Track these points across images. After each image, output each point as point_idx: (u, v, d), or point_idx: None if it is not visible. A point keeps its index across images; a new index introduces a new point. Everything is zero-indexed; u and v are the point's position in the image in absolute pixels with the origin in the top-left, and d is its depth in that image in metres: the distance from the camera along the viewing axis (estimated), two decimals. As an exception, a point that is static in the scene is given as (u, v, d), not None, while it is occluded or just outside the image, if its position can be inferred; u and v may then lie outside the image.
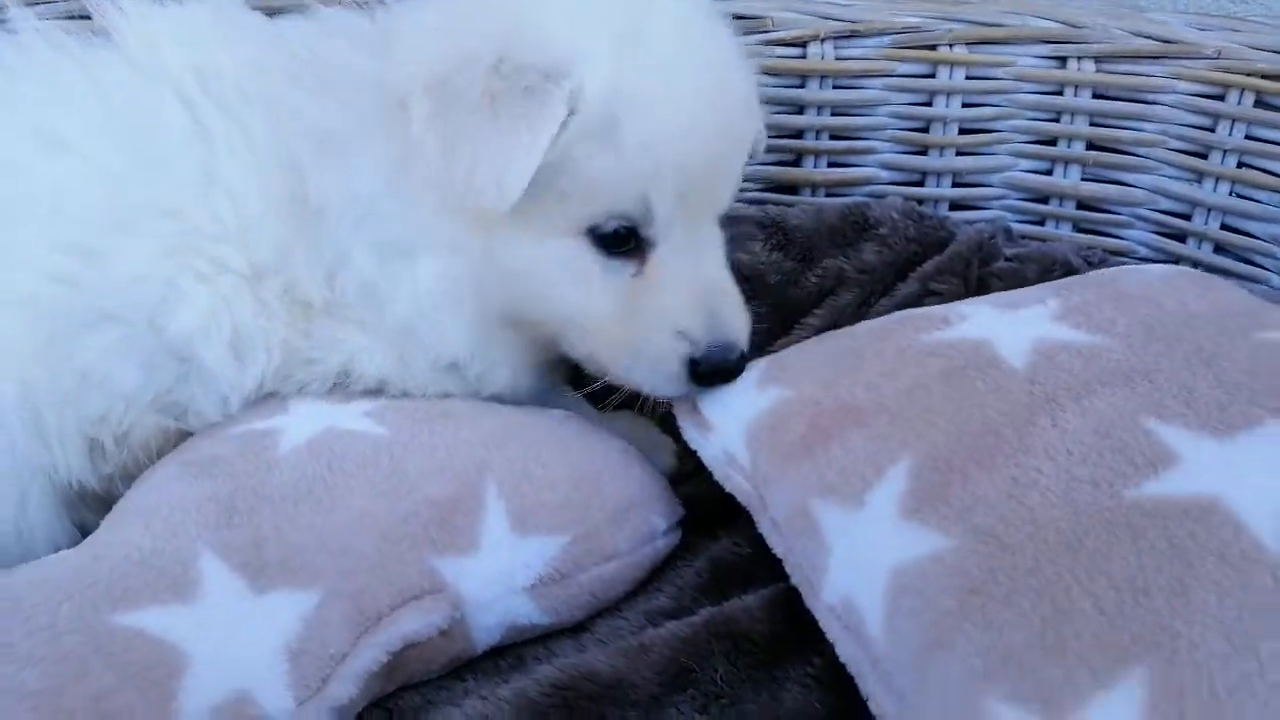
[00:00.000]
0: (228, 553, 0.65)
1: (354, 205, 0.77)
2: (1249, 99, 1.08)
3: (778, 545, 0.71)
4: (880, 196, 1.17)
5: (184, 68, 0.79)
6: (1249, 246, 1.12)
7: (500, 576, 0.72)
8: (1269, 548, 0.52)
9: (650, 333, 0.76)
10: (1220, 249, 1.14)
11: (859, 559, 0.64)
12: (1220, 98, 1.09)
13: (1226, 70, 1.08)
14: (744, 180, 1.16)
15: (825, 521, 0.66)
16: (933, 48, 1.12)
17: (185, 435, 0.81)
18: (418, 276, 0.78)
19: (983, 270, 1.04)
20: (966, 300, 0.81)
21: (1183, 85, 1.10)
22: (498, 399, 0.85)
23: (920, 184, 1.19)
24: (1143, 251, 1.18)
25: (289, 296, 0.80)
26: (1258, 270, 1.12)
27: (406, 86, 0.72)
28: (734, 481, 0.76)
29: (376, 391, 0.83)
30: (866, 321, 0.81)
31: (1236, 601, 0.50)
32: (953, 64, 1.12)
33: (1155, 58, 1.10)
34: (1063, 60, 1.12)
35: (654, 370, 0.77)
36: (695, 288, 0.76)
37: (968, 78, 1.13)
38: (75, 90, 0.77)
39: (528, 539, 0.74)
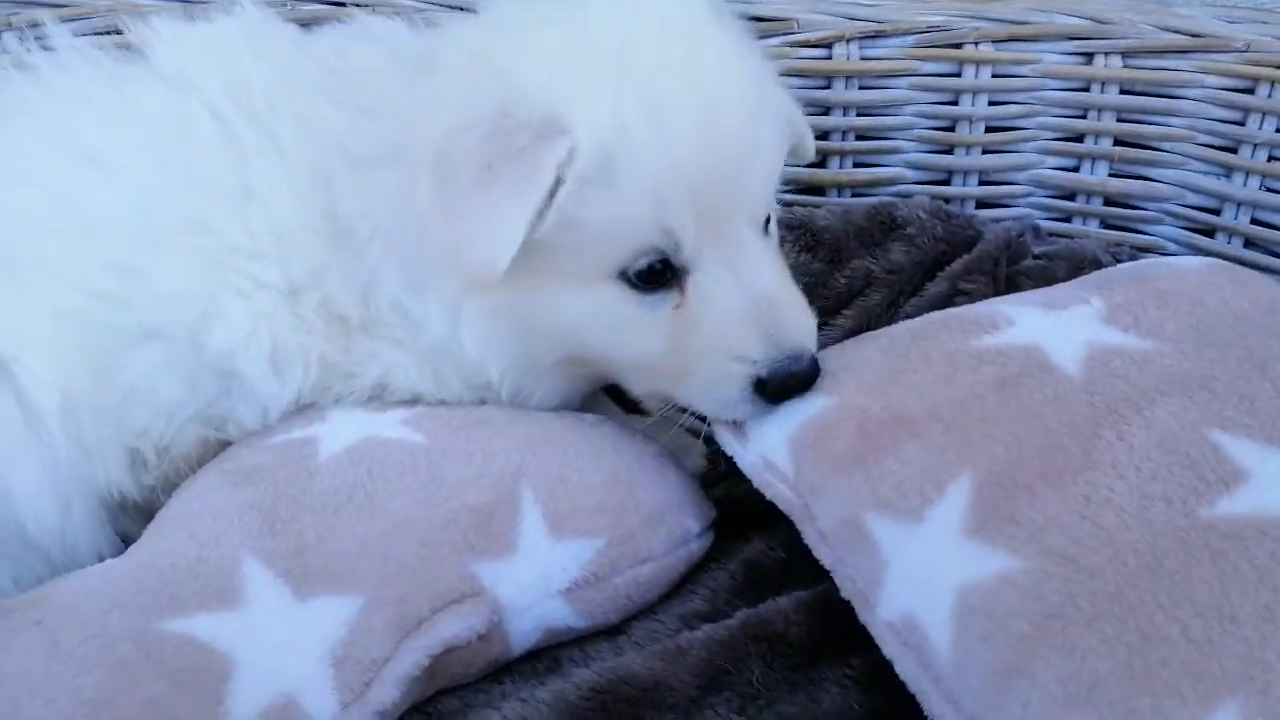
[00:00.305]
0: (271, 560, 0.66)
1: (380, 229, 0.78)
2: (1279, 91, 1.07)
3: (825, 556, 0.70)
4: (907, 196, 1.17)
5: (215, 82, 0.80)
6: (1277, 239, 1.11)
7: (537, 580, 0.73)
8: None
9: (704, 362, 0.74)
10: (1250, 244, 1.13)
11: (920, 577, 0.63)
12: (1250, 91, 1.08)
13: (1256, 63, 1.07)
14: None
15: (881, 535, 0.66)
16: (958, 46, 1.12)
17: (225, 444, 0.82)
18: (458, 319, 0.79)
19: (1011, 269, 1.04)
20: (1007, 299, 0.81)
21: (1211, 79, 1.09)
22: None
23: (947, 183, 1.19)
24: (1171, 248, 1.18)
25: (326, 311, 0.81)
26: (1287, 265, 1.12)
27: (414, 157, 0.72)
28: (775, 489, 0.75)
29: (413, 401, 0.84)
30: (906, 323, 0.80)
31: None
32: (978, 62, 1.12)
33: (1183, 52, 1.10)
34: (1089, 56, 1.12)
35: (717, 398, 0.75)
36: (742, 305, 0.74)
37: (994, 76, 1.13)
38: (111, 108, 0.78)
39: (564, 542, 0.74)
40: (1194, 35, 1.09)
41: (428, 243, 0.75)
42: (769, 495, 0.76)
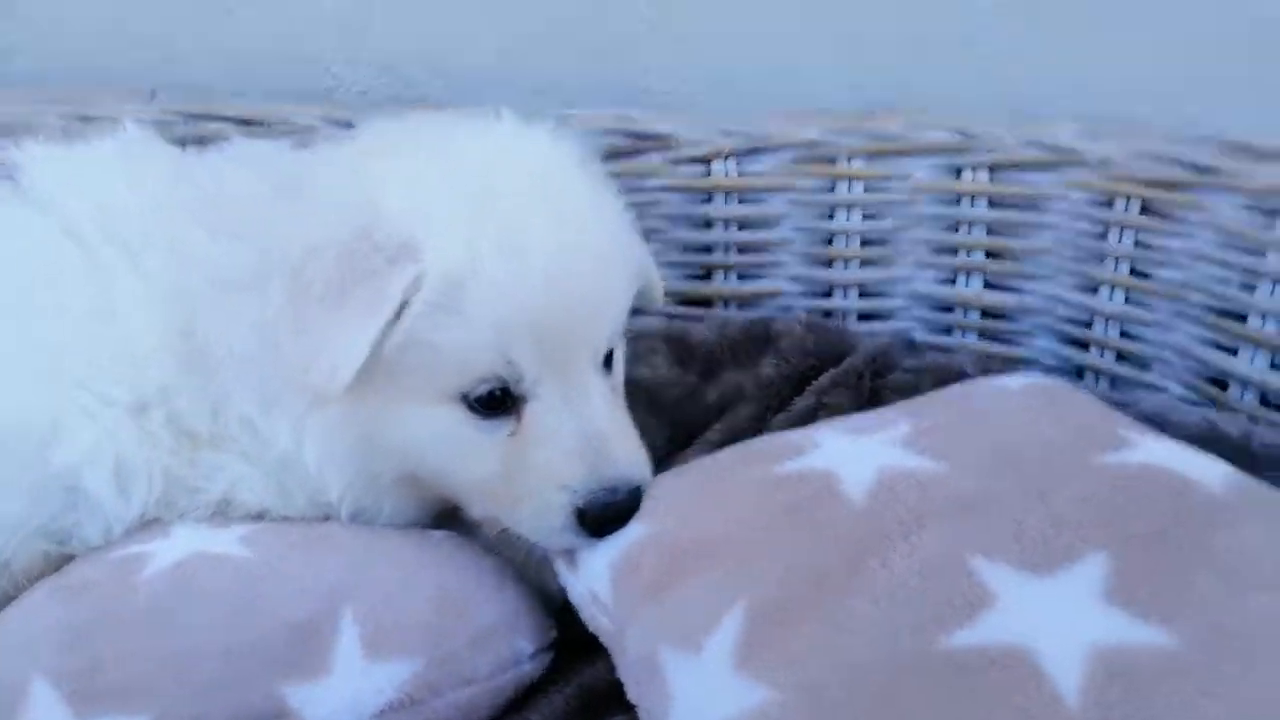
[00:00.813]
0: (59, 680, 0.66)
1: (235, 348, 0.80)
2: (1135, 206, 1.10)
3: (631, 692, 0.71)
4: (789, 309, 1.19)
5: (82, 205, 0.83)
6: (1147, 355, 1.13)
7: (349, 703, 0.73)
8: (1067, 701, 0.52)
9: (532, 489, 0.77)
10: (1122, 357, 1.16)
11: (696, 710, 0.63)
12: (1109, 204, 1.12)
13: (1114, 178, 1.11)
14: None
15: (669, 669, 0.66)
16: (832, 161, 1.16)
17: (67, 559, 0.83)
18: (304, 434, 0.80)
19: (876, 382, 1.06)
20: (822, 424, 0.83)
21: (1074, 193, 1.13)
22: None
23: (829, 295, 1.21)
24: (1049, 360, 1.20)
25: (173, 427, 0.82)
26: (1157, 378, 1.13)
27: (271, 272, 0.75)
28: (597, 622, 0.76)
29: (258, 516, 0.85)
30: (735, 446, 0.82)
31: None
32: (851, 178, 1.16)
33: (1046, 166, 1.13)
34: (957, 171, 1.16)
35: (542, 526, 0.78)
36: (574, 438, 0.76)
37: (866, 191, 1.17)
38: None
39: (379, 664, 0.74)
40: (1054, 149, 1.13)
41: (279, 358, 0.77)
42: (592, 628, 0.77)
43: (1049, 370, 1.18)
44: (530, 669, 0.81)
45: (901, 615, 0.59)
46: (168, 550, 0.78)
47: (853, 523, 0.67)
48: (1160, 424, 0.95)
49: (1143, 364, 1.14)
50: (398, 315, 0.73)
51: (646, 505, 0.77)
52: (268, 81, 1.26)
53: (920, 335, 1.22)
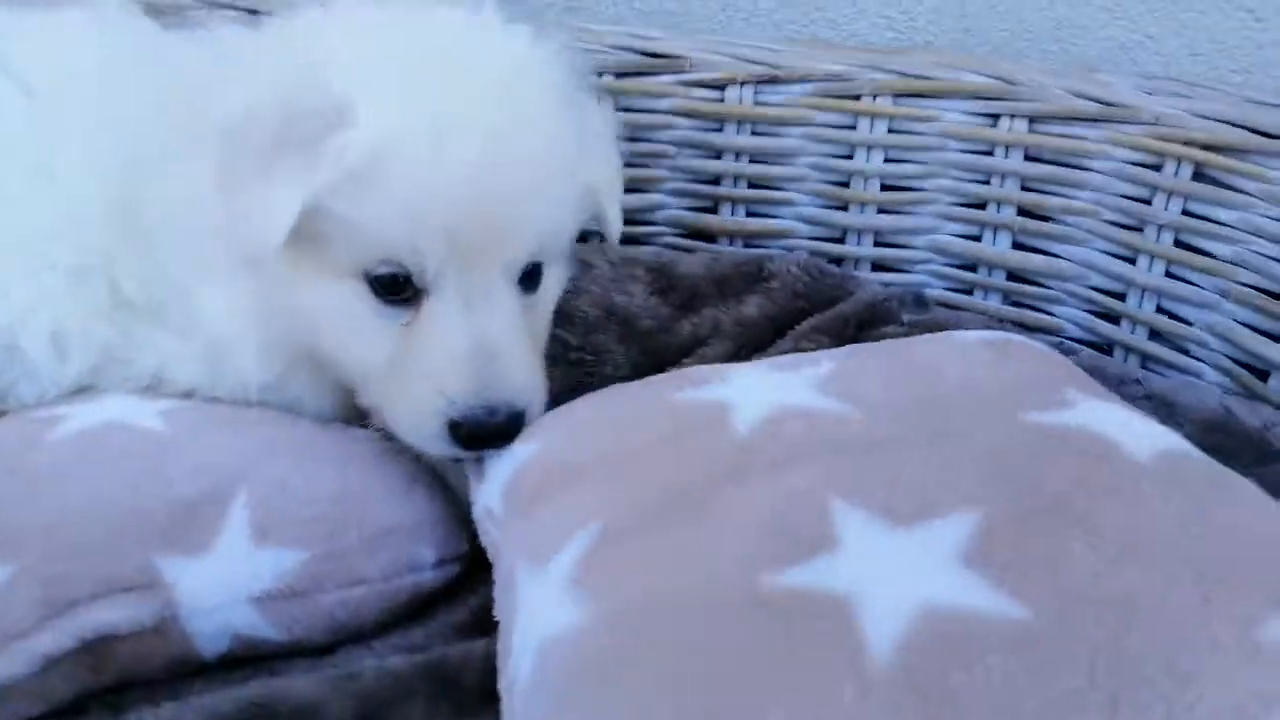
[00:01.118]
0: (-65, 521, 0.67)
1: (173, 217, 0.79)
2: (1186, 170, 0.99)
3: (496, 607, 0.67)
4: (798, 251, 1.12)
5: (44, 73, 0.84)
6: (1183, 334, 1.02)
7: (224, 583, 0.71)
8: (875, 656, 0.46)
9: (413, 388, 0.74)
10: (1155, 335, 1.04)
11: (530, 630, 0.59)
12: (1157, 168, 1.00)
13: (1163, 138, 0.99)
14: (661, 225, 1.15)
15: (520, 584, 0.63)
16: (855, 98, 1.08)
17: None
18: (229, 301, 0.80)
19: (864, 334, 0.99)
20: (748, 363, 0.77)
21: (1119, 152, 1.01)
22: None
23: (841, 241, 1.14)
24: (1073, 330, 1.09)
25: (113, 296, 0.82)
26: (1192, 361, 1.02)
27: (210, 124, 0.73)
28: (489, 537, 0.73)
29: (188, 394, 0.85)
30: (655, 376, 0.77)
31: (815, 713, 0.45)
32: (874, 115, 1.08)
33: (1091, 120, 1.02)
34: (994, 118, 1.06)
35: (415, 426, 0.75)
36: (464, 344, 0.73)
37: (890, 131, 1.08)
38: None
39: (264, 550, 0.73)
40: (1104, 103, 1.02)
41: (213, 221, 0.76)
42: (484, 543, 0.74)
43: (1076, 342, 1.08)
44: (431, 577, 0.78)
45: (737, 546, 0.53)
46: (84, 415, 0.79)
47: (728, 452, 0.62)
48: (1167, 406, 0.85)
49: (1178, 345, 1.03)
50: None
51: (551, 424, 0.73)
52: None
53: (938, 292, 1.13)
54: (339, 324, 0.76)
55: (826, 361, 0.72)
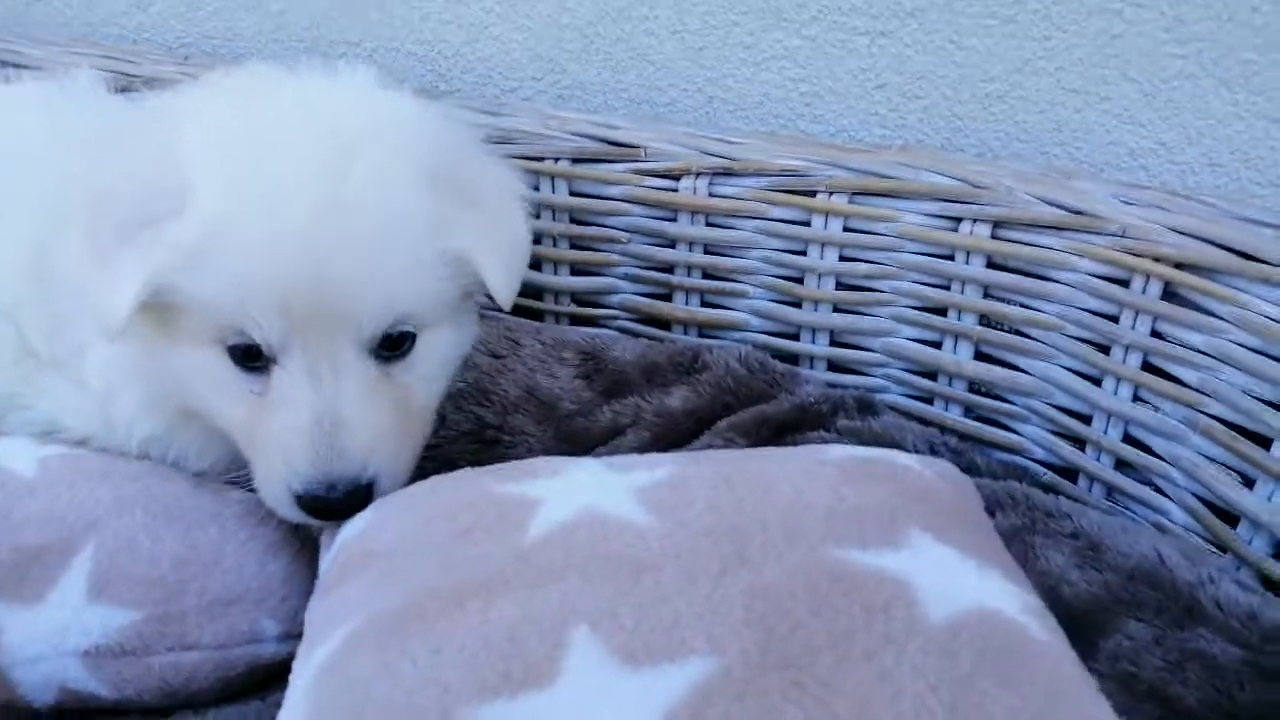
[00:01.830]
0: None
1: (68, 280, 0.81)
2: (1155, 288, 0.90)
3: None
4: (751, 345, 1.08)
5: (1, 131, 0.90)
6: (1150, 467, 0.92)
7: (50, 635, 0.73)
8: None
9: (264, 455, 0.75)
10: (1121, 464, 0.95)
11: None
12: (1125, 283, 0.92)
13: (1132, 252, 0.91)
14: (615, 309, 1.13)
15: (294, 672, 0.62)
16: (810, 194, 1.04)
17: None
18: (113, 361, 0.82)
19: (782, 438, 0.93)
20: (601, 457, 0.73)
21: (1086, 264, 0.94)
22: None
23: (795, 338, 1.09)
24: (1037, 452, 1.00)
25: (20, 345, 0.86)
26: (1158, 498, 0.92)
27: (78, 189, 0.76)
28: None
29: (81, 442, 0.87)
30: (498, 465, 0.74)
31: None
32: (828, 212, 1.03)
33: (1057, 228, 0.95)
34: (956, 221, 1.00)
35: (269, 493, 0.75)
36: (307, 416, 0.73)
37: (845, 229, 1.03)
38: None
39: (97, 606, 0.74)
40: (1070, 211, 0.95)
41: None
42: None
43: (1040, 464, 1.00)
44: (273, 650, 0.78)
45: (454, 670, 0.50)
46: (-40, 455, 0.82)
47: (504, 559, 0.58)
48: (1094, 548, 0.77)
49: (1145, 478, 0.93)
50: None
51: (384, 502, 0.71)
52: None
53: (895, 398, 1.06)
54: (203, 388, 0.77)
55: (667, 465, 0.68)
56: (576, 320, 1.15)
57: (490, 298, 0.82)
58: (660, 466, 0.67)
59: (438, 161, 0.78)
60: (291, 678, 0.63)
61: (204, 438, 0.84)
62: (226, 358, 0.75)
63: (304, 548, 0.82)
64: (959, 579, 0.55)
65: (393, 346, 0.77)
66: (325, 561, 0.72)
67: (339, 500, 0.72)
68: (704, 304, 1.11)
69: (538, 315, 1.16)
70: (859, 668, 0.47)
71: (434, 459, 0.82)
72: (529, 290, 1.16)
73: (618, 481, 0.65)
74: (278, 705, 0.74)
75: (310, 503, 0.72)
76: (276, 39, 1.39)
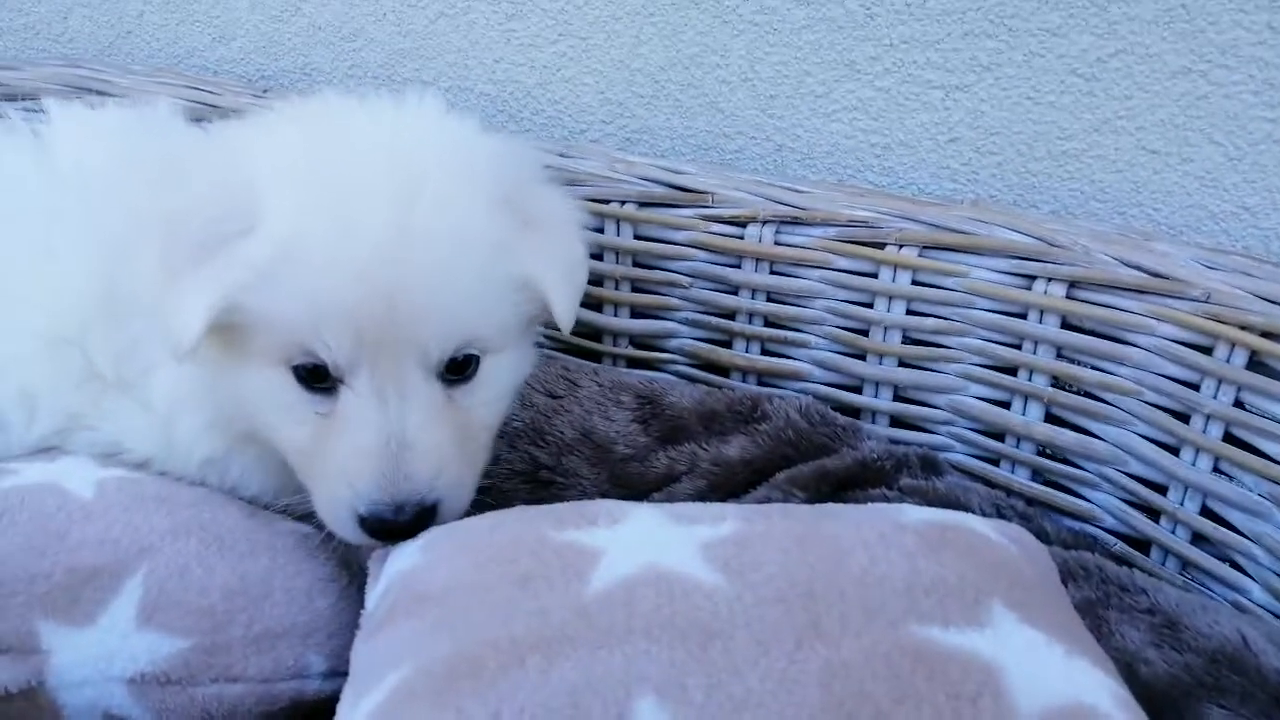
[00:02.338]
0: None
1: (138, 302, 0.83)
2: (1240, 356, 0.87)
3: None
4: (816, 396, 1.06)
5: (73, 159, 0.92)
6: (1229, 543, 0.88)
7: (99, 659, 0.72)
8: None
9: (328, 476, 0.75)
10: (1198, 538, 0.90)
11: None
12: (1208, 350, 0.88)
13: (1214, 318, 0.88)
14: (674, 353, 1.12)
15: (340, 715, 0.61)
16: (879, 245, 1.02)
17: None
18: (180, 381, 0.83)
19: (843, 494, 0.91)
20: (670, 503, 0.71)
21: (1165, 328, 0.91)
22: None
23: (858, 390, 1.06)
24: (1108, 521, 0.96)
25: (87, 368, 0.87)
26: (1237, 575, 0.87)
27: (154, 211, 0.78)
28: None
29: (142, 465, 0.87)
30: (552, 505, 0.72)
31: None
32: (897, 265, 1.01)
33: (1136, 291, 0.92)
34: (1030, 279, 0.97)
35: (331, 515, 0.76)
36: (374, 438, 0.73)
37: (914, 283, 1.01)
38: None
39: (145, 633, 0.73)
40: (1151, 274, 0.92)
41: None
42: None
43: (1112, 534, 0.96)
44: (318, 687, 0.76)
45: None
46: (26, 473, 0.82)
47: (565, 614, 0.56)
48: (1171, 626, 0.73)
49: (1223, 554, 0.89)
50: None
51: (433, 538, 0.71)
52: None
53: (960, 458, 1.03)
54: (268, 408, 0.78)
55: (732, 520, 0.66)
56: (634, 363, 1.14)
57: (549, 326, 0.82)
58: (726, 520, 0.65)
59: (502, 187, 0.79)
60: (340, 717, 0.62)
61: (262, 462, 0.85)
62: (292, 378, 0.76)
63: (351, 584, 0.82)
64: (1047, 667, 0.52)
65: (458, 370, 0.77)
66: (372, 598, 0.71)
67: (405, 523, 0.72)
68: (764, 352, 1.10)
69: (595, 356, 1.16)
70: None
71: (488, 497, 0.81)
72: (588, 331, 1.15)
73: (683, 536, 0.63)
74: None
75: (375, 525, 0.73)
76: (352, 75, 1.42)
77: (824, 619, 0.54)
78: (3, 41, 1.58)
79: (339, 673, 0.76)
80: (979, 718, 0.47)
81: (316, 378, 0.75)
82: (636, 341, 1.15)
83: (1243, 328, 0.87)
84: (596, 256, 1.13)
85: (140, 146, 0.92)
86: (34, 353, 0.86)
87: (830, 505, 0.72)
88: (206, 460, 0.85)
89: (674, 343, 1.13)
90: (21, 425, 0.87)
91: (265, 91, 1.29)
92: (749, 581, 0.58)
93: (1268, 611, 0.85)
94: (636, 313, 1.14)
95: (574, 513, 0.68)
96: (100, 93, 1.26)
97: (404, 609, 0.63)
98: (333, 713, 0.75)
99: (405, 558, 0.70)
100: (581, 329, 1.16)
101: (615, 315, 1.15)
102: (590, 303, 1.15)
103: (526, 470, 0.98)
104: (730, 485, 0.94)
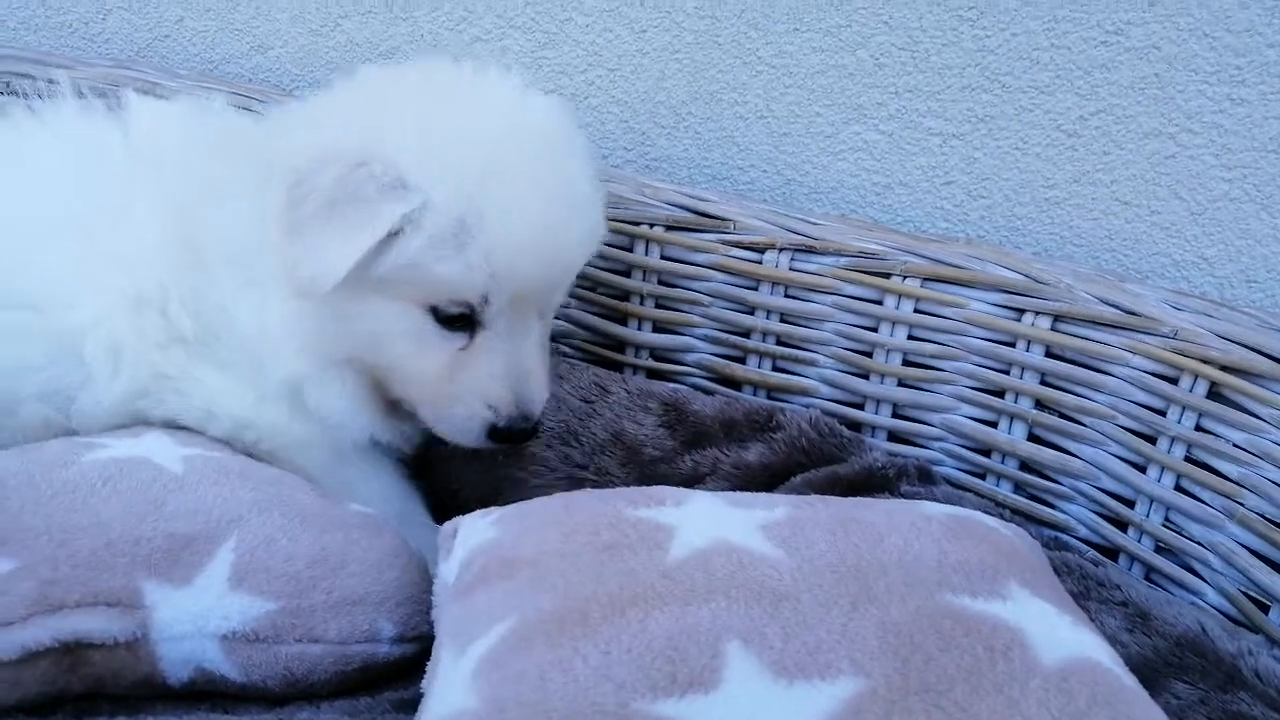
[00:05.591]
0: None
1: (226, 245, 0.93)
2: (1202, 387, 0.99)
3: (424, 682, 0.72)
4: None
5: (149, 138, 1.01)
6: (1188, 551, 1.00)
7: (196, 615, 0.79)
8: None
9: (465, 398, 0.92)
10: (1161, 548, 1.03)
11: (433, 708, 0.64)
12: (1174, 380, 1.01)
13: (1181, 353, 1.00)
14: (690, 366, 1.22)
15: (438, 668, 0.68)
16: (885, 275, 1.13)
17: (63, 432, 0.95)
18: (267, 311, 0.92)
19: (854, 497, 1.01)
20: (719, 491, 0.81)
21: (1138, 360, 1.03)
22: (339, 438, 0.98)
23: (860, 407, 1.17)
24: (1081, 531, 1.08)
25: (168, 330, 0.95)
26: (1195, 580, 0.99)
27: (274, 168, 0.88)
28: (436, 612, 0.78)
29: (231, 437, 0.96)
30: (623, 488, 0.82)
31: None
32: (901, 294, 1.13)
33: (1112, 326, 1.05)
34: (1019, 312, 1.09)
35: (460, 427, 0.94)
36: (509, 369, 0.92)
37: (916, 310, 1.13)
38: (64, 135, 1.02)
39: (238, 594, 0.80)
40: (1126, 311, 1.04)
41: (266, 252, 0.90)
42: (433, 615, 0.79)
43: (1084, 543, 1.07)
44: (387, 651, 0.84)
45: (623, 669, 0.57)
46: (119, 448, 0.89)
47: (651, 575, 0.65)
48: (1142, 615, 0.85)
49: (1183, 561, 1.01)
50: (387, 241, 0.86)
51: (510, 513, 0.79)
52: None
53: (949, 470, 1.14)
54: (403, 344, 0.91)
55: (783, 506, 0.75)
56: (653, 374, 1.24)
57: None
58: (776, 507, 0.75)
59: (590, 151, 0.97)
60: (433, 669, 0.70)
61: (348, 385, 0.95)
62: (431, 319, 0.90)
63: (411, 560, 0.89)
64: (1058, 630, 0.62)
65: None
66: (451, 568, 0.79)
67: (530, 429, 0.95)
68: (775, 369, 1.20)
69: (617, 367, 1.25)
70: (990, 696, 0.54)
71: (528, 494, 0.92)
72: (612, 343, 1.25)
73: (743, 517, 0.73)
74: (387, 702, 0.82)
75: (504, 434, 0.93)
76: (384, 91, 1.50)
77: (874, 588, 0.64)
78: (39, 38, 1.63)
79: (406, 639, 0.84)
80: (1011, 664, 0.57)
81: (455, 321, 0.90)
82: (656, 354, 1.24)
83: (1205, 361, 0.99)
84: (624, 273, 1.23)
85: (206, 126, 1.02)
86: (119, 308, 0.94)
87: (861, 499, 0.82)
88: (292, 376, 0.93)
89: (692, 357, 1.23)
90: (106, 377, 0.94)
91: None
92: (805, 556, 0.68)
93: (1220, 612, 0.97)
94: (658, 327, 1.23)
95: (641, 495, 0.77)
96: (150, 95, 1.32)
97: (496, 572, 0.71)
98: (400, 675, 0.84)
99: (479, 532, 0.79)
100: (606, 341, 1.26)
101: (639, 329, 1.24)
102: (616, 316, 1.25)
103: (561, 467, 1.06)
104: (750, 487, 1.03)
